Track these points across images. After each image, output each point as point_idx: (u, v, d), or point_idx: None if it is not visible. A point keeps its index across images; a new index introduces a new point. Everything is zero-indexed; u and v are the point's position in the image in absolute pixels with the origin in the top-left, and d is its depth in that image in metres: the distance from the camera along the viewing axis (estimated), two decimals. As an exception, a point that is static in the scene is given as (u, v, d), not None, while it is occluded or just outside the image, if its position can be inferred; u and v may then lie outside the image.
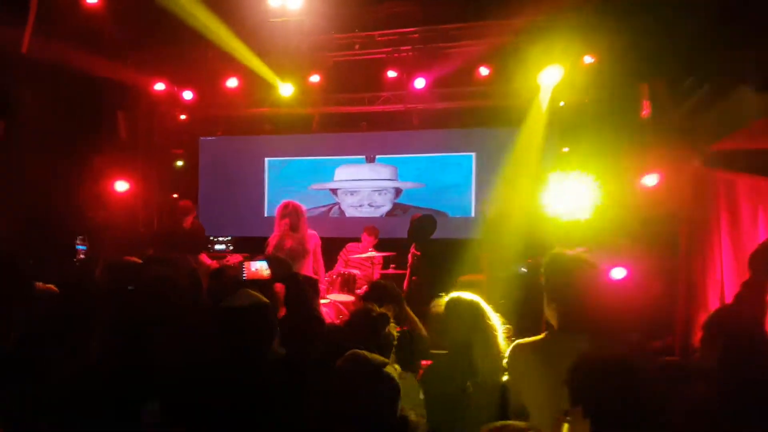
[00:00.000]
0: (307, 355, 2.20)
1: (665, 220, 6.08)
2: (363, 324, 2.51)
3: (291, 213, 5.70)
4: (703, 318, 5.16)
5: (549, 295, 2.25)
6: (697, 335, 5.09)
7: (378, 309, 2.63)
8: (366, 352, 1.93)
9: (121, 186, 7.82)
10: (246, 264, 3.46)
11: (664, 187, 6.35)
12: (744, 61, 4.90)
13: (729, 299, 4.90)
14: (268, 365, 2.11)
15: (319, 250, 6.02)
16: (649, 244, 6.16)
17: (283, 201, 5.87)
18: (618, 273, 6.15)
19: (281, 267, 3.20)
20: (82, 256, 6.54)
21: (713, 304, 5.10)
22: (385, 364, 1.89)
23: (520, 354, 2.22)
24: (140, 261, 3.78)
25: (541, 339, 2.22)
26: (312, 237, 5.86)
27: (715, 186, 5.39)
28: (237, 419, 1.92)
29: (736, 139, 4.80)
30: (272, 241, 5.72)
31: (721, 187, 5.33)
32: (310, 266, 5.85)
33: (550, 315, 2.23)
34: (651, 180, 6.51)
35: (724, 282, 5.05)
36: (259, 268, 3.40)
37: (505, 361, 2.34)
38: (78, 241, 6.75)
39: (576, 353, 2.09)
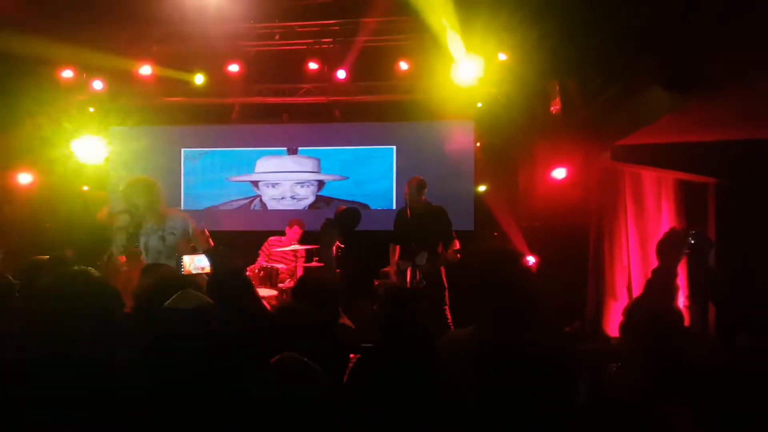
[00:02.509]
0: (258, 353, 2.17)
1: (574, 211, 6.39)
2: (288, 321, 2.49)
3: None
4: (611, 304, 5.53)
5: (478, 289, 2.32)
6: (609, 321, 5.42)
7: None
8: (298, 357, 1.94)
9: (24, 178, 7.39)
10: (184, 259, 3.35)
11: (574, 180, 6.66)
12: (650, 61, 5.21)
13: (636, 286, 5.24)
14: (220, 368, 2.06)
15: (196, 235, 4.57)
16: (560, 234, 6.48)
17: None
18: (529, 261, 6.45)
19: (223, 261, 3.09)
20: None
21: (621, 291, 5.44)
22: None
23: (449, 346, 2.29)
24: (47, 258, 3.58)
25: (469, 331, 2.30)
26: (177, 220, 4.66)
27: (621, 179, 5.71)
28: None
29: (642, 134, 5.10)
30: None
31: (628, 179, 5.66)
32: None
33: (481, 308, 2.30)
34: (560, 173, 6.81)
35: (630, 269, 5.39)
36: (198, 263, 3.30)
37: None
38: None
39: (505, 347, 2.19)
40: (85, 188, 8.24)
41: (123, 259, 5.95)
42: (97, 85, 8.07)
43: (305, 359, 1.94)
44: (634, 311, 2.26)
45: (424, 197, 5.76)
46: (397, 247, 5.94)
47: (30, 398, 1.83)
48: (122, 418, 1.86)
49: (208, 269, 3.43)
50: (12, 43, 6.50)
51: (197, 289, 2.42)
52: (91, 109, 8.40)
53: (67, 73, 7.67)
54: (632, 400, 1.98)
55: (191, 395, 1.93)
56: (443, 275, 5.69)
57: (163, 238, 4.60)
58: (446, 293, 5.66)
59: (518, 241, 6.87)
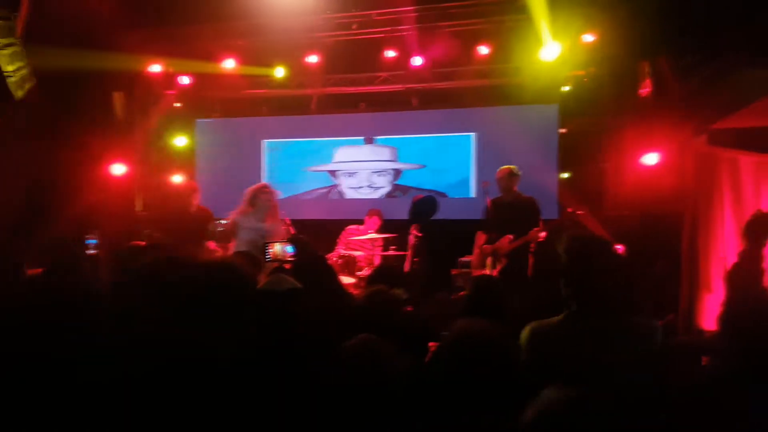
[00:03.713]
0: (341, 336, 2.18)
1: (666, 199, 6.08)
2: (377, 305, 2.50)
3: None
4: (706, 296, 5.22)
5: (568, 278, 2.22)
6: (703, 314, 5.13)
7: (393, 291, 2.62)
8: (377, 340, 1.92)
9: (119, 169, 7.77)
10: (271, 246, 3.52)
11: (667, 166, 6.34)
12: (748, 38, 4.87)
13: (733, 278, 4.91)
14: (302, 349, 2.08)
15: None
16: (651, 223, 6.18)
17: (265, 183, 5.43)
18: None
19: (305, 249, 3.21)
20: (92, 250, 6.43)
21: (717, 283, 5.12)
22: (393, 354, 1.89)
23: (536, 336, 2.21)
24: (144, 244, 3.74)
25: (559, 321, 2.20)
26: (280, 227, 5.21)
27: (718, 164, 5.38)
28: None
29: (739, 117, 4.78)
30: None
31: (724, 165, 5.32)
32: None
33: (569, 296, 2.20)
34: (652, 159, 6.50)
35: (727, 261, 5.06)
36: (283, 250, 3.45)
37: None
38: (88, 235, 6.63)
39: (594, 335, 2.09)
40: (176, 178, 8.56)
41: (212, 245, 6.18)
42: (184, 80, 8.40)
43: (382, 341, 1.92)
44: (732, 302, 2.10)
45: (515, 187, 5.73)
46: (484, 236, 5.90)
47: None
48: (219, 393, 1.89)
49: (292, 256, 3.56)
50: (104, 42, 6.85)
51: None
52: (177, 104, 8.75)
53: (156, 68, 7.98)
54: (727, 394, 1.85)
55: (284, 372, 1.96)
56: (530, 264, 5.61)
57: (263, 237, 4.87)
58: (525, 282, 5.55)
59: (605, 231, 6.60)
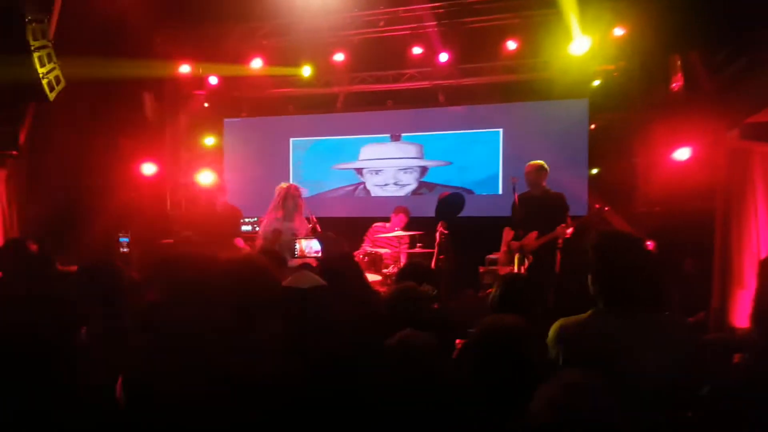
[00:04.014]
0: (368, 332, 2.19)
1: (698, 194, 5.97)
2: (406, 302, 2.51)
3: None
4: (738, 293, 5.11)
5: (597, 274, 2.19)
6: (735, 311, 5.02)
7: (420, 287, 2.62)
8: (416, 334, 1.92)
9: (149, 169, 7.88)
10: (298, 243, 3.56)
11: (698, 161, 6.23)
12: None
13: (767, 274, 4.80)
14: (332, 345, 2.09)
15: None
16: (683, 219, 6.08)
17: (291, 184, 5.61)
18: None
19: (333, 245, 3.24)
20: (125, 249, 6.56)
21: (749, 279, 5.01)
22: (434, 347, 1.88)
23: (564, 333, 2.18)
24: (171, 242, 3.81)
25: (587, 318, 2.18)
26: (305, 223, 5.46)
27: (751, 158, 5.26)
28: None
29: (773, 111, 4.67)
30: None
31: (758, 159, 5.21)
32: None
33: (597, 293, 2.18)
34: (683, 154, 6.38)
35: (761, 256, 4.95)
36: (309, 246, 3.50)
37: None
38: (121, 234, 6.77)
39: (623, 332, 2.06)
40: (204, 177, 8.66)
41: (240, 242, 6.26)
42: (213, 80, 8.50)
43: (427, 336, 1.92)
44: (764, 297, 2.05)
45: (543, 183, 5.69)
46: (512, 232, 5.87)
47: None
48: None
49: (319, 253, 3.61)
50: (134, 43, 6.96)
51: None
52: (206, 104, 8.86)
53: (185, 69, 8.08)
54: (759, 392, 1.81)
55: (312, 368, 1.96)
56: (557, 260, 5.55)
57: (293, 235, 5.17)
58: (553, 279, 5.49)
59: (635, 227, 6.50)
